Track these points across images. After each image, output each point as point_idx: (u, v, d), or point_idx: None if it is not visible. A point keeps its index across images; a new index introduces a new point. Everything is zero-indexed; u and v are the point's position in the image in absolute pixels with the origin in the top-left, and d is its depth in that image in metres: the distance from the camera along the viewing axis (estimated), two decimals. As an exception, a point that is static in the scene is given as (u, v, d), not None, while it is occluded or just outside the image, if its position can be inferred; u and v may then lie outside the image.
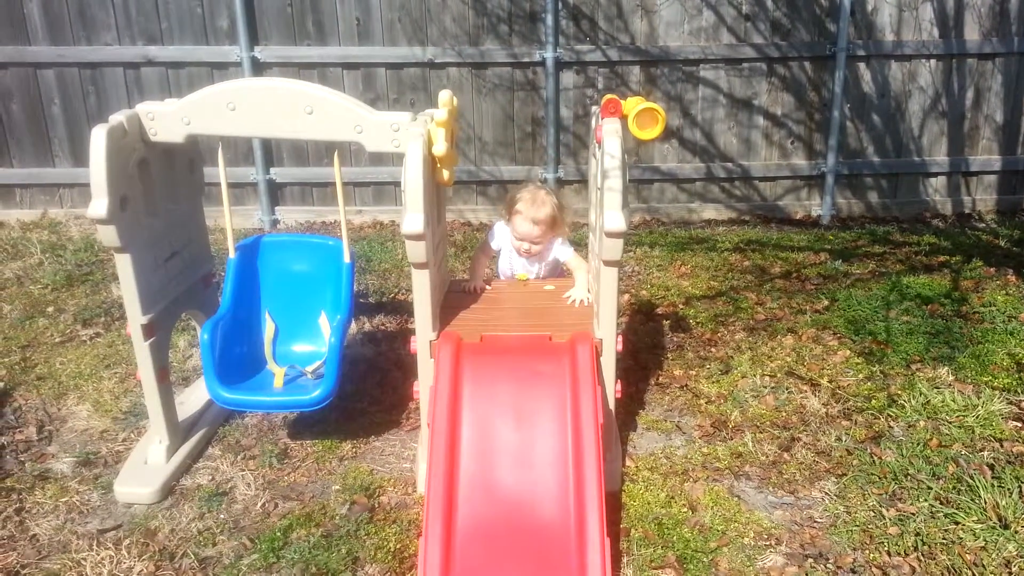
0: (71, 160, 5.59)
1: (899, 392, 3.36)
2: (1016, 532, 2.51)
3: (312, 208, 5.76)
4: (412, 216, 2.47)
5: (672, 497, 2.76)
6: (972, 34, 5.49)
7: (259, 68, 5.36)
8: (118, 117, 2.60)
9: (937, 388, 3.36)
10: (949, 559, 2.43)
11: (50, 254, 4.96)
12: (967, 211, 5.92)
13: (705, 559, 2.46)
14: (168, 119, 2.68)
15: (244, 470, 2.93)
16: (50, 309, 4.25)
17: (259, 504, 2.75)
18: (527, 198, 3.02)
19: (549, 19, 5.28)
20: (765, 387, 3.44)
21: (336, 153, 2.93)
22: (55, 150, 5.60)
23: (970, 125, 5.74)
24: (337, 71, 5.45)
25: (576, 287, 3.02)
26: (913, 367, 3.56)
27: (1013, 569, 2.38)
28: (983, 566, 2.39)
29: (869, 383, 3.45)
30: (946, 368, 3.52)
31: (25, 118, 5.51)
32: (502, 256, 3.27)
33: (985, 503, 2.64)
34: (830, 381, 3.48)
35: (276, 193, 5.72)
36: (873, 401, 3.31)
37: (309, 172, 5.66)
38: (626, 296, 4.41)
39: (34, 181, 5.65)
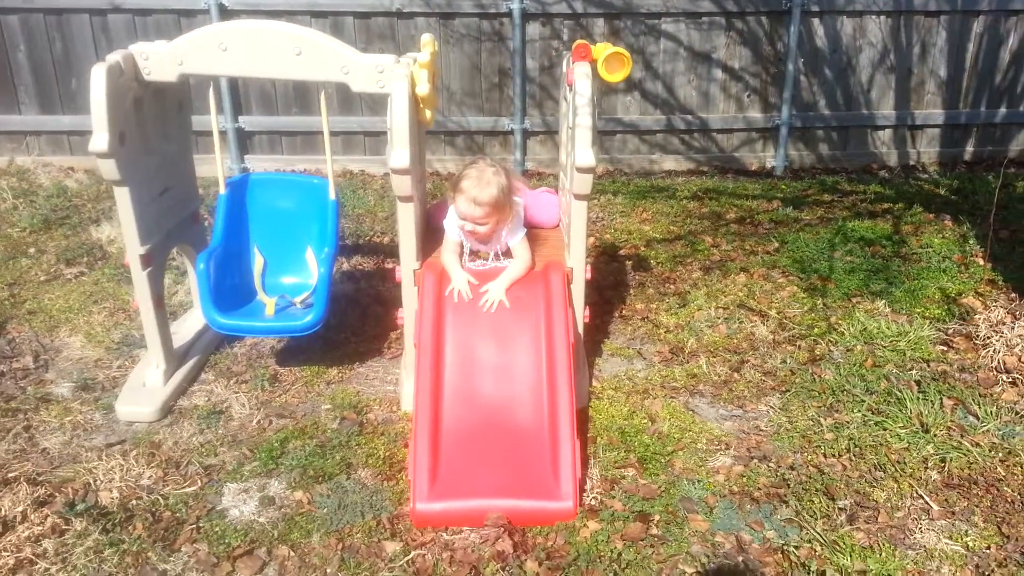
0: (37, 108, 5.60)
1: (839, 321, 3.68)
2: (935, 435, 2.84)
3: (281, 157, 5.85)
4: (399, 152, 2.66)
5: (634, 411, 3.04)
6: (919, -8, 5.77)
7: (226, 15, 5.40)
8: (114, 56, 2.73)
9: (874, 318, 3.69)
10: (876, 458, 2.75)
11: (23, 199, 5.02)
12: (912, 163, 6.25)
13: (663, 460, 2.75)
14: (162, 59, 2.82)
15: (238, 392, 3.13)
16: (31, 250, 4.35)
17: (254, 421, 2.97)
18: (473, 176, 2.77)
19: (516, -29, 5.41)
20: (719, 318, 3.74)
21: (323, 95, 3.09)
22: (21, 97, 5.60)
23: (916, 80, 6.04)
24: (305, 19, 5.51)
25: (497, 281, 2.82)
26: (853, 300, 3.89)
27: (929, 464, 2.72)
28: (904, 463, 2.72)
29: (812, 314, 3.77)
30: (883, 301, 3.85)
31: (-9, 64, 5.51)
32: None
33: (911, 412, 2.97)
34: (778, 312, 3.78)
35: (245, 142, 5.81)
36: (815, 329, 3.63)
37: (278, 120, 5.75)
38: (591, 239, 4.66)
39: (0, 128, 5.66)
